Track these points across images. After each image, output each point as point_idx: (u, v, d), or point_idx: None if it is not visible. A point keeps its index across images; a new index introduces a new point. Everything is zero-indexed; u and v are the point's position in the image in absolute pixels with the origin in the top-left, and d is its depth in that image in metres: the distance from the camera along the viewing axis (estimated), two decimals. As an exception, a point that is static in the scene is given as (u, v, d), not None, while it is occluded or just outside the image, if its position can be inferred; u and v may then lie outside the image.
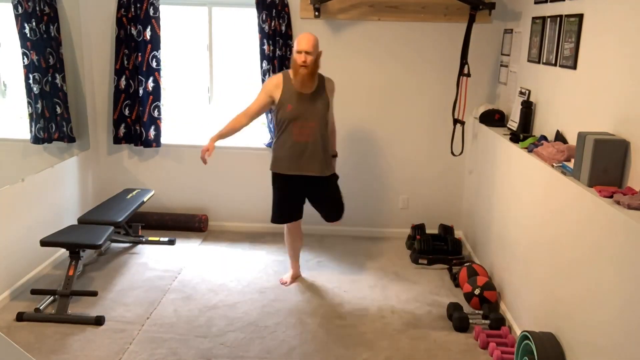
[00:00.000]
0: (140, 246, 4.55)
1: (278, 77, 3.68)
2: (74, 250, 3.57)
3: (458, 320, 3.41)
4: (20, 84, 3.92)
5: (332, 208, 3.91)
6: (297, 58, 3.54)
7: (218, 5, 4.68)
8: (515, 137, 3.63)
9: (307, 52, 3.53)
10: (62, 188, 4.31)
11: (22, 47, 3.84)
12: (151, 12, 4.50)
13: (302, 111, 3.61)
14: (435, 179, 4.83)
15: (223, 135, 3.68)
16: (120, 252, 4.44)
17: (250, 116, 3.69)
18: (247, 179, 4.91)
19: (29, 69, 3.90)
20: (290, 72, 3.65)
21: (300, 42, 3.55)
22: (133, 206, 4.26)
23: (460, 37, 4.27)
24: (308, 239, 4.74)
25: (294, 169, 3.68)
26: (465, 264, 4.00)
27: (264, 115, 4.68)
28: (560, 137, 3.19)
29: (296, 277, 4.06)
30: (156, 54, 4.60)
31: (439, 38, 4.54)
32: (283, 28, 4.46)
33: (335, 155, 3.93)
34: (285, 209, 3.83)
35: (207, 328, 3.39)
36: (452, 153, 4.48)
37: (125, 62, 4.61)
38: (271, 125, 4.64)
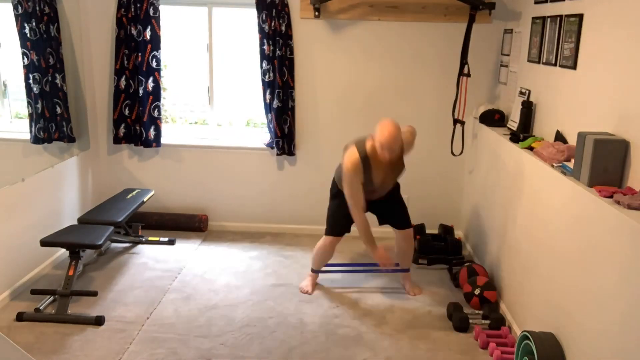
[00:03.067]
0: (140, 246, 4.55)
1: (356, 163, 3.43)
2: (74, 250, 3.57)
3: (458, 320, 3.41)
4: (20, 84, 3.92)
5: (400, 216, 3.82)
6: (381, 154, 3.35)
7: (218, 5, 4.68)
8: (515, 137, 3.63)
9: (391, 150, 3.32)
10: (62, 188, 4.31)
11: (22, 47, 3.84)
12: (151, 12, 4.50)
13: (379, 184, 3.57)
14: (435, 179, 4.83)
15: (371, 239, 3.60)
16: (120, 252, 4.44)
17: (364, 207, 3.57)
18: (247, 179, 4.91)
19: (29, 69, 3.90)
20: (368, 147, 3.45)
21: (384, 139, 3.28)
22: (133, 206, 4.26)
23: (460, 37, 4.27)
24: (308, 239, 4.75)
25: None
26: (465, 264, 4.00)
27: (264, 116, 4.69)
28: (560, 137, 3.19)
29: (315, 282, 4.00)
30: (156, 54, 4.60)
31: (439, 38, 4.54)
32: (283, 28, 4.46)
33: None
34: (343, 221, 3.72)
35: (207, 328, 3.39)
36: (452, 153, 4.48)
37: (125, 62, 4.61)
38: (271, 125, 4.64)
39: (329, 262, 3.96)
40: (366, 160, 3.46)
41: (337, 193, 3.73)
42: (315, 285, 3.97)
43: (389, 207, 3.81)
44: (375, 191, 3.63)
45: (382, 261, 3.61)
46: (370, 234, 3.60)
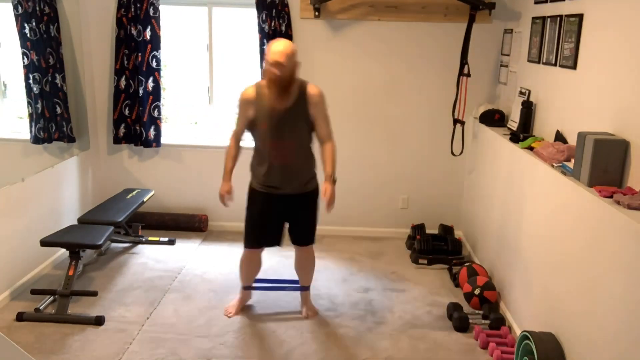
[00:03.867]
0: (140, 246, 4.55)
1: (250, 92, 3.18)
2: (74, 250, 3.57)
3: (458, 320, 3.41)
4: (20, 84, 3.92)
5: (303, 230, 3.43)
6: (270, 70, 3.02)
7: (218, 5, 4.68)
8: (515, 137, 3.63)
9: (280, 64, 2.99)
10: (62, 188, 4.31)
11: (22, 47, 3.84)
12: (151, 12, 4.50)
13: (277, 130, 3.14)
14: (435, 179, 4.83)
15: (229, 170, 3.33)
16: (120, 252, 4.44)
17: (239, 139, 3.33)
18: (247, 179, 4.89)
19: (29, 69, 3.90)
20: (263, 82, 3.16)
21: (272, 52, 3.01)
22: (133, 206, 4.26)
23: (460, 37, 4.27)
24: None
25: (272, 190, 3.28)
26: (465, 264, 4.00)
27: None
28: (560, 137, 3.19)
29: (244, 304, 3.64)
30: (156, 54, 4.60)
31: (439, 38, 4.54)
32: (283, 28, 4.46)
33: (334, 181, 3.22)
34: (258, 230, 3.38)
35: (207, 328, 3.39)
36: (452, 153, 4.48)
37: (125, 62, 4.61)
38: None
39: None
40: (260, 92, 3.15)
41: (248, 197, 3.40)
42: (243, 307, 3.60)
43: (296, 216, 3.38)
44: (276, 144, 3.18)
45: (220, 195, 3.31)
46: (229, 162, 3.32)
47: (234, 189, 4.91)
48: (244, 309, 3.61)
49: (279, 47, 3.01)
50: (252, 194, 3.37)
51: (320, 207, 3.39)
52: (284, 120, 3.15)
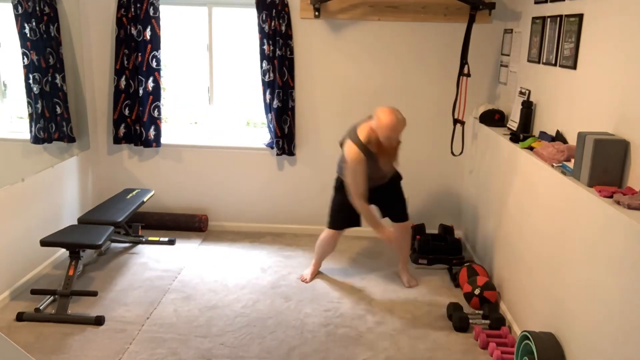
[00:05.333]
0: (140, 246, 4.55)
1: (360, 157, 3.55)
2: (74, 250, 3.57)
3: (458, 320, 3.41)
4: (20, 84, 3.92)
5: (398, 210, 3.97)
6: (386, 141, 3.55)
7: (218, 5, 4.68)
8: (515, 137, 3.63)
9: (395, 139, 3.60)
10: (62, 188, 4.31)
11: (22, 47, 3.84)
12: (151, 12, 4.50)
13: (377, 173, 3.68)
14: (435, 179, 4.83)
15: (375, 221, 3.76)
16: (120, 252, 4.44)
17: (365, 197, 3.66)
18: (247, 179, 4.91)
19: (29, 69, 3.90)
20: (363, 137, 3.57)
21: (389, 129, 3.50)
22: (133, 206, 4.26)
23: (460, 37, 4.27)
24: (308, 239, 4.74)
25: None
26: (465, 264, 4.00)
27: (264, 115, 4.69)
28: (560, 137, 3.19)
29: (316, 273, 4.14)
30: (156, 54, 4.60)
31: (439, 38, 4.54)
32: (283, 28, 4.46)
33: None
34: (342, 215, 3.87)
35: (207, 328, 3.39)
36: (452, 153, 4.48)
37: (125, 62, 4.61)
38: (271, 125, 4.64)
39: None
40: (366, 150, 3.57)
41: (339, 187, 3.82)
42: (316, 275, 4.11)
43: (389, 200, 3.92)
44: (382, 174, 3.75)
45: (388, 238, 3.79)
46: (373, 216, 3.77)
47: (234, 189, 4.93)
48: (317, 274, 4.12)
49: (392, 123, 3.51)
50: (340, 183, 3.79)
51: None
52: (392, 157, 3.78)
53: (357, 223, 3.90)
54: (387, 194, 3.89)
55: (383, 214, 3.99)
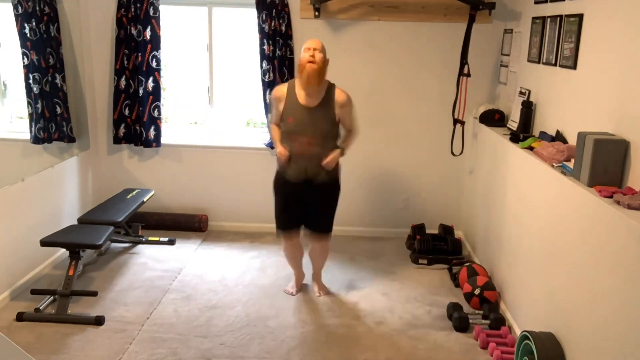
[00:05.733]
0: (140, 246, 4.55)
1: (282, 88, 3.54)
2: (74, 250, 3.57)
3: (458, 320, 3.41)
4: (20, 84, 3.92)
5: (321, 218, 3.67)
6: (304, 55, 3.37)
7: (218, 5, 4.68)
8: (515, 137, 3.63)
9: (315, 49, 3.38)
10: (62, 188, 4.31)
11: (22, 47, 3.84)
12: (151, 12, 4.50)
13: (302, 126, 3.43)
14: (435, 179, 4.83)
15: (278, 139, 3.58)
16: (120, 252, 4.44)
17: (278, 124, 3.60)
18: (247, 179, 4.91)
19: (29, 69, 3.90)
20: (297, 80, 3.49)
21: (308, 42, 3.44)
22: (133, 206, 4.26)
23: (460, 37, 4.27)
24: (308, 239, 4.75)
25: (295, 178, 3.53)
26: (465, 264, 4.00)
27: (264, 115, 4.69)
28: (560, 137, 3.19)
29: (301, 283, 3.94)
30: (156, 54, 4.60)
31: (439, 38, 4.54)
32: (283, 28, 4.47)
33: (342, 153, 3.56)
34: (286, 215, 3.65)
35: (207, 328, 3.39)
36: (452, 153, 4.48)
37: (125, 62, 4.61)
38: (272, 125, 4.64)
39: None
40: (292, 89, 3.49)
41: (275, 184, 3.67)
42: (302, 286, 3.93)
43: (317, 203, 3.60)
44: (300, 138, 3.44)
45: (279, 156, 3.50)
46: (276, 134, 3.60)
47: (234, 189, 4.93)
48: (302, 288, 3.93)
49: (312, 40, 3.45)
50: (277, 181, 3.66)
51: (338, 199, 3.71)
52: (310, 117, 3.44)
53: (305, 222, 3.67)
54: (317, 197, 3.57)
55: (305, 220, 3.68)
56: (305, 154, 3.48)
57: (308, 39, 3.53)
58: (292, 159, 3.51)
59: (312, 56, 3.36)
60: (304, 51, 3.42)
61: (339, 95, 3.48)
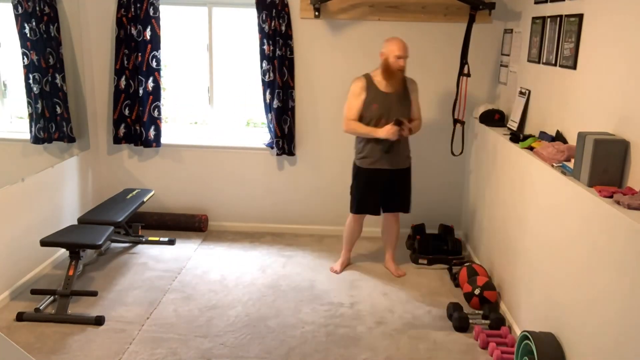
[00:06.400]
0: (140, 246, 4.55)
1: (362, 81, 3.88)
2: (74, 250, 3.57)
3: (458, 320, 3.41)
4: (20, 84, 3.92)
5: (404, 199, 4.10)
6: (396, 63, 3.77)
7: (218, 5, 4.68)
8: (515, 137, 3.63)
9: (406, 57, 3.80)
10: (62, 188, 4.31)
11: (22, 47, 3.84)
12: (151, 12, 4.50)
13: (386, 110, 3.82)
14: (435, 179, 4.83)
15: (369, 128, 3.85)
16: (120, 252, 4.44)
17: (355, 119, 3.89)
18: (247, 179, 4.91)
19: (29, 69, 3.90)
20: (374, 74, 3.89)
21: (400, 48, 3.78)
22: (133, 206, 4.26)
23: (460, 37, 4.27)
24: (308, 239, 4.75)
25: (381, 164, 3.91)
26: (465, 264, 4.00)
27: (264, 115, 4.69)
28: (560, 137, 3.19)
29: (346, 264, 4.28)
30: (156, 54, 4.60)
31: (439, 38, 4.54)
32: (283, 28, 4.47)
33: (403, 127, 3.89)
34: (367, 201, 4.03)
35: (207, 328, 3.39)
36: (452, 153, 4.48)
37: (125, 62, 4.61)
38: (271, 125, 4.64)
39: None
40: (370, 81, 3.87)
41: (355, 174, 4.04)
42: (347, 265, 4.27)
43: (396, 189, 4.02)
44: (385, 122, 3.81)
45: (390, 133, 3.77)
46: (364, 127, 3.87)
47: (234, 189, 4.93)
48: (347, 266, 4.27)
49: (401, 43, 3.82)
50: (358, 171, 4.01)
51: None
52: (393, 102, 3.86)
53: (376, 211, 4.07)
54: (399, 182, 4.01)
55: (384, 206, 4.08)
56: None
57: (395, 40, 3.85)
58: (375, 146, 3.87)
59: (403, 66, 3.80)
60: (396, 57, 3.77)
61: (412, 83, 3.97)
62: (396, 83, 3.86)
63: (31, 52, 3.89)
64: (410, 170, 4.09)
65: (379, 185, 3.99)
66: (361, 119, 3.88)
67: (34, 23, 3.87)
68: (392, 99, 3.86)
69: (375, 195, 4.02)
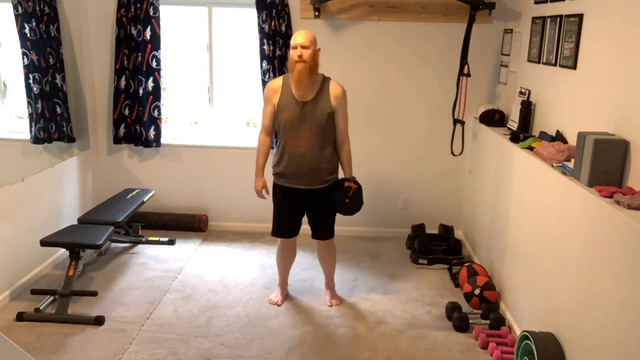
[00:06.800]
0: (140, 246, 4.55)
1: (277, 82, 3.44)
2: (74, 250, 3.57)
3: (458, 320, 3.41)
4: (20, 84, 3.92)
5: (321, 225, 3.57)
6: (293, 54, 3.28)
7: (218, 5, 4.68)
8: (515, 137, 3.63)
9: (303, 47, 3.26)
10: (62, 188, 4.31)
11: (22, 47, 3.84)
12: (151, 12, 4.50)
13: (297, 120, 3.31)
14: (435, 179, 4.83)
15: (260, 166, 3.49)
16: (120, 252, 4.44)
17: (269, 132, 3.48)
18: (247, 179, 4.90)
19: (29, 69, 3.90)
20: (289, 75, 3.41)
21: (296, 37, 3.32)
22: (133, 206, 4.26)
23: (460, 37, 4.27)
24: (308, 239, 4.73)
25: (292, 182, 3.42)
26: (465, 264, 4.00)
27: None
28: (560, 137, 3.19)
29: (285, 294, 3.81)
30: (156, 54, 4.60)
31: (439, 38, 4.54)
32: (283, 28, 4.47)
33: (351, 179, 3.49)
34: (284, 222, 3.55)
35: (207, 328, 3.39)
36: (452, 153, 4.48)
37: (125, 62, 4.61)
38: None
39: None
40: (287, 83, 3.38)
41: (272, 193, 3.57)
42: (286, 295, 3.81)
43: (319, 209, 3.52)
44: (295, 134, 3.33)
45: (257, 191, 3.52)
46: (260, 158, 3.48)
47: (234, 189, 4.92)
48: (287, 297, 3.83)
49: (300, 33, 3.34)
50: (275, 188, 3.55)
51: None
52: (306, 110, 3.33)
53: (297, 231, 3.59)
54: (317, 202, 3.48)
55: (310, 221, 3.59)
56: (301, 152, 3.34)
57: (297, 32, 3.42)
58: (288, 161, 3.38)
59: (300, 55, 3.25)
60: (291, 48, 3.31)
61: (333, 88, 3.39)
62: (299, 80, 3.25)
63: (31, 52, 3.89)
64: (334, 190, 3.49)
65: (292, 206, 3.50)
66: (276, 126, 3.43)
67: (34, 23, 3.87)
68: (304, 107, 3.31)
69: (289, 217, 3.54)
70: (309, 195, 3.46)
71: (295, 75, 3.28)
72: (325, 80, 3.43)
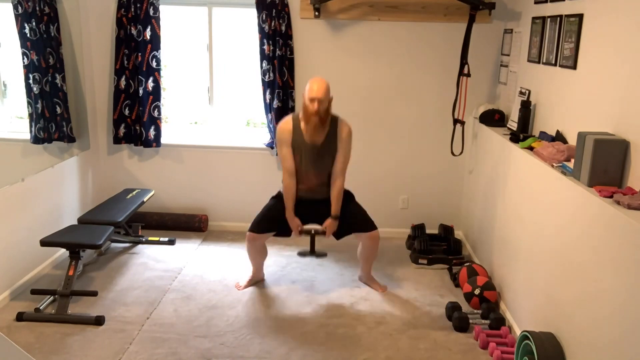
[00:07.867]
0: (140, 246, 4.55)
1: (287, 124, 3.59)
2: (74, 250, 3.57)
3: (458, 320, 3.41)
4: (20, 84, 3.92)
5: (359, 218, 3.81)
6: (309, 106, 3.43)
7: (218, 5, 4.68)
8: (515, 137, 3.63)
9: (319, 101, 3.42)
10: (62, 188, 4.31)
11: (22, 47, 3.84)
12: (151, 12, 4.50)
13: (308, 162, 3.59)
14: (435, 179, 4.83)
15: (290, 207, 3.66)
16: (120, 252, 4.44)
17: (293, 173, 3.62)
18: (247, 179, 4.91)
19: (29, 69, 3.90)
20: (300, 116, 3.57)
21: (312, 89, 3.44)
22: (133, 206, 4.26)
23: (460, 37, 4.27)
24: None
25: (298, 214, 3.70)
26: (465, 264, 4.00)
27: (264, 115, 4.69)
28: (560, 137, 3.19)
29: (258, 279, 3.98)
30: (156, 54, 4.60)
31: (439, 38, 4.54)
32: (283, 28, 4.47)
33: (336, 218, 3.70)
34: (265, 219, 3.75)
35: (207, 328, 3.39)
36: (452, 153, 4.48)
37: (125, 62, 4.61)
38: (271, 125, 4.64)
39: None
40: (297, 125, 3.57)
41: (275, 195, 3.83)
42: (253, 283, 3.95)
43: (346, 214, 3.73)
44: (305, 176, 3.63)
45: (292, 226, 3.71)
46: (290, 198, 3.64)
47: (234, 189, 4.92)
48: (256, 283, 3.97)
49: (316, 84, 3.45)
50: (279, 198, 3.75)
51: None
52: (316, 154, 3.58)
53: (281, 232, 3.77)
54: (344, 211, 3.71)
55: (345, 230, 3.78)
56: (309, 190, 3.66)
57: (313, 80, 3.51)
58: (299, 199, 3.66)
59: (317, 110, 3.42)
60: (309, 99, 3.43)
61: (341, 130, 3.60)
62: (313, 130, 3.49)
63: (31, 52, 3.89)
64: (349, 197, 3.83)
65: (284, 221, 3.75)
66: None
67: (34, 23, 3.87)
68: (313, 151, 3.57)
69: (274, 223, 3.78)
70: (316, 203, 3.69)
71: (310, 127, 3.49)
72: (334, 120, 3.60)
